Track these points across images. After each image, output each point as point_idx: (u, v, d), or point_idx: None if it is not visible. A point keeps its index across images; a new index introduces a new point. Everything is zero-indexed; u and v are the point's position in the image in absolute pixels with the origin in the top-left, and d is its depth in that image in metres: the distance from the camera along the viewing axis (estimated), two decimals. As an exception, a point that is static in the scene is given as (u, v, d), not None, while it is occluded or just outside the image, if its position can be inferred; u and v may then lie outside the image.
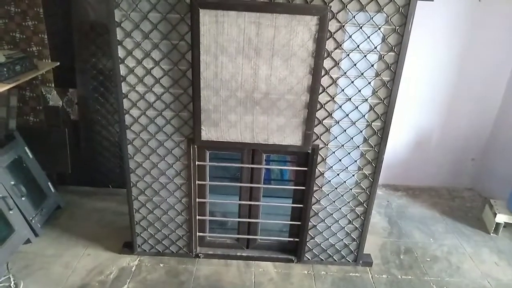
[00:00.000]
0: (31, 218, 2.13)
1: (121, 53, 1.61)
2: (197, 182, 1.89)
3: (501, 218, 2.35)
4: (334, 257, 2.06)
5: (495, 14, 2.40)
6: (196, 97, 1.65)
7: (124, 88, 1.67)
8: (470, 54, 2.51)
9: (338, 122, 1.72)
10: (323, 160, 1.80)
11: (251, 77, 1.61)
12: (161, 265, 2.03)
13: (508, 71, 2.57)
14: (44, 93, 2.39)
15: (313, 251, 2.04)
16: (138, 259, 2.06)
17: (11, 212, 2.00)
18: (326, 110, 1.69)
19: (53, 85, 2.38)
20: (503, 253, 2.26)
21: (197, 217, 1.98)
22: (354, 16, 1.53)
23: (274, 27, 1.52)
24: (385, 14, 1.53)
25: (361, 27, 1.54)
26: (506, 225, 2.39)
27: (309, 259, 2.06)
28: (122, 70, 1.64)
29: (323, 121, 1.72)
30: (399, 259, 2.17)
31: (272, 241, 2.11)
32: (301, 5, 1.50)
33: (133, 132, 1.77)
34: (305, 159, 1.84)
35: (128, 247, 2.08)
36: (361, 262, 2.07)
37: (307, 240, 2.01)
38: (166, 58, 1.62)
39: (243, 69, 1.60)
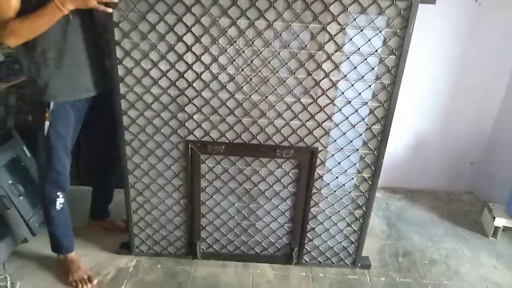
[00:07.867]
0: (28, 218, 2.11)
1: (119, 54, 1.59)
2: (195, 183, 1.88)
3: (499, 221, 2.34)
4: (332, 260, 2.05)
5: (494, 19, 2.38)
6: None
7: (122, 89, 1.65)
8: (470, 58, 2.49)
9: (338, 125, 1.71)
10: (322, 163, 1.79)
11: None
12: (159, 266, 2.02)
13: (507, 75, 2.55)
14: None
15: (312, 253, 2.04)
16: (136, 259, 2.05)
17: (8, 211, 1.99)
18: (326, 113, 1.68)
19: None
20: (502, 256, 2.25)
21: (195, 218, 1.97)
22: (355, 18, 1.51)
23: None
24: (386, 17, 1.51)
25: (361, 30, 1.53)
26: (505, 228, 2.37)
27: (307, 261, 2.06)
28: (120, 71, 1.62)
29: (323, 124, 1.70)
30: (398, 262, 2.16)
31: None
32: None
33: (131, 133, 1.75)
34: (304, 161, 1.82)
35: (126, 248, 2.07)
36: (359, 264, 2.06)
37: (306, 242, 2.00)
38: (165, 59, 1.60)
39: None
